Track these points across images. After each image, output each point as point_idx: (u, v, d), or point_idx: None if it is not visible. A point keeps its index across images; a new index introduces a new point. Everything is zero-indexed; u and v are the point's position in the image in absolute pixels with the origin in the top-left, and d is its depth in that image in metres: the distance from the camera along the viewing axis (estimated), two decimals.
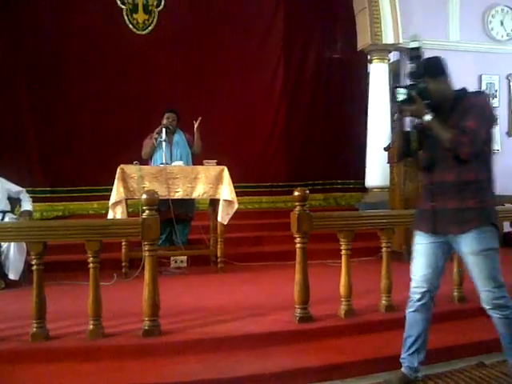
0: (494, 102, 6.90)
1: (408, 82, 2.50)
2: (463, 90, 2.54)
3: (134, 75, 7.09)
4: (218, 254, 4.96)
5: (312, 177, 7.66)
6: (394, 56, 7.00)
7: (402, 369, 2.62)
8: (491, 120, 2.47)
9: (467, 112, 2.38)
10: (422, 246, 2.55)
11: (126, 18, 7.21)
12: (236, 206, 4.88)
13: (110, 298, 3.28)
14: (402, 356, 2.62)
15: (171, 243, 5.33)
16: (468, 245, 2.42)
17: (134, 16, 7.25)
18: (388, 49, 6.75)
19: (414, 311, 2.58)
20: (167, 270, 5.03)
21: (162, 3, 7.34)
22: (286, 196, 7.24)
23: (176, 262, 5.17)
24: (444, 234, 2.48)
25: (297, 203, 3.24)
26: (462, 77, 6.75)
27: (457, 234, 2.44)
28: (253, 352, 2.91)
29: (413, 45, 2.55)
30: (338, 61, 7.96)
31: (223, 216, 4.86)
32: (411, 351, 2.59)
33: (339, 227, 3.36)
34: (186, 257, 5.18)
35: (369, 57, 6.98)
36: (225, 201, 4.86)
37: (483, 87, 6.84)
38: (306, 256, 3.25)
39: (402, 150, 2.61)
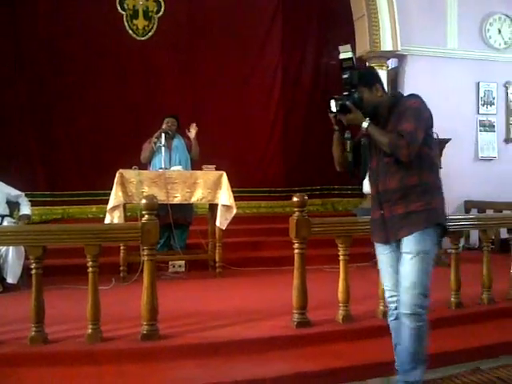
0: (492, 110, 6.93)
1: (343, 92, 2.50)
2: (398, 95, 2.59)
3: (134, 80, 7.13)
4: (216, 259, 4.97)
5: (310, 182, 7.67)
6: (392, 63, 7.03)
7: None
8: (428, 120, 2.46)
9: (402, 115, 2.41)
10: (384, 256, 2.56)
11: (126, 23, 7.24)
12: (234, 210, 4.90)
13: (109, 302, 3.29)
14: (397, 363, 2.62)
15: (169, 248, 5.33)
16: (408, 245, 2.40)
17: (134, 22, 7.29)
18: (386, 56, 6.78)
19: (395, 319, 2.57)
20: (165, 275, 5.04)
21: (162, 9, 7.38)
22: (284, 201, 7.27)
23: (174, 266, 5.18)
24: (396, 240, 2.47)
25: (295, 209, 3.26)
26: (459, 84, 6.80)
27: (406, 236, 2.42)
28: (251, 357, 2.93)
29: (344, 56, 2.53)
30: (337, 67, 7.97)
31: (221, 221, 4.88)
32: None
33: (337, 233, 3.38)
34: (184, 261, 5.19)
35: (367, 63, 7.01)
36: (223, 206, 4.87)
37: (481, 95, 6.87)
38: (304, 261, 3.27)
39: (338, 161, 2.60)
